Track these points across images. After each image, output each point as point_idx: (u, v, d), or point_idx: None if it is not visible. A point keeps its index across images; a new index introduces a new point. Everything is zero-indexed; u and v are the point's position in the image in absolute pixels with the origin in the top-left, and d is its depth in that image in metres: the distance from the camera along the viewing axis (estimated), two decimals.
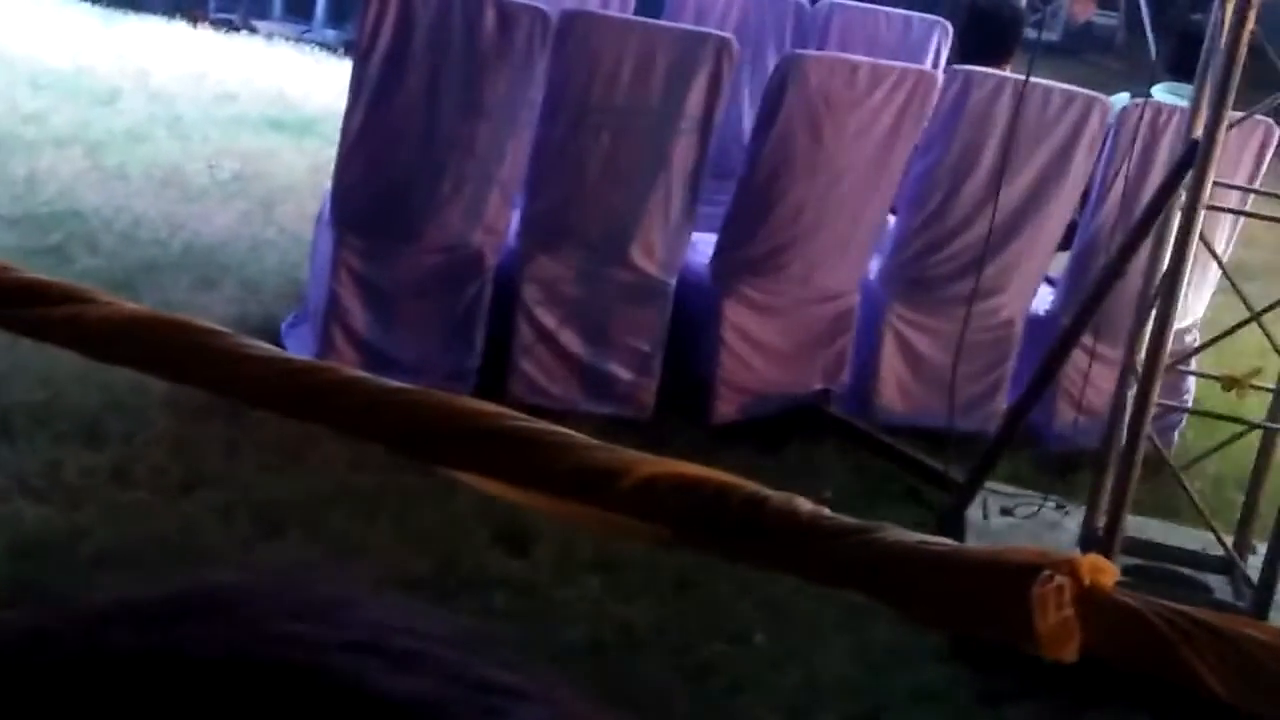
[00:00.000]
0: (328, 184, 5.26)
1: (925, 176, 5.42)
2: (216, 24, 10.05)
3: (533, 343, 5.22)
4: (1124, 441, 4.21)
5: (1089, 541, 4.33)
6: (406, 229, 5.15)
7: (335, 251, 5.10)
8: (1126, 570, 4.04)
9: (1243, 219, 5.11)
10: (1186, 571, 4.42)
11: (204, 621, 0.49)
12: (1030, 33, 6.24)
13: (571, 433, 2.07)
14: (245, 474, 4.46)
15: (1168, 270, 4.12)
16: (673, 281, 5.29)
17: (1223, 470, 5.16)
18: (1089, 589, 1.94)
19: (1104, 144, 5.38)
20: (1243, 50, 3.90)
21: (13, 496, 4.19)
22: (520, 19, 4.91)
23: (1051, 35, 11.97)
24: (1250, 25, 3.89)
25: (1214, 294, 5.54)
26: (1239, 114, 4.07)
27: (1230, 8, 3.97)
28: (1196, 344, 5.06)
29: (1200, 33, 4.48)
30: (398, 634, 0.51)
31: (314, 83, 8.87)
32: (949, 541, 2.10)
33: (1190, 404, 5.31)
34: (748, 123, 5.71)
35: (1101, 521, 4.32)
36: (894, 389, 5.59)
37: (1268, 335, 4.22)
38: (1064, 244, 5.66)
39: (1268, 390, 4.43)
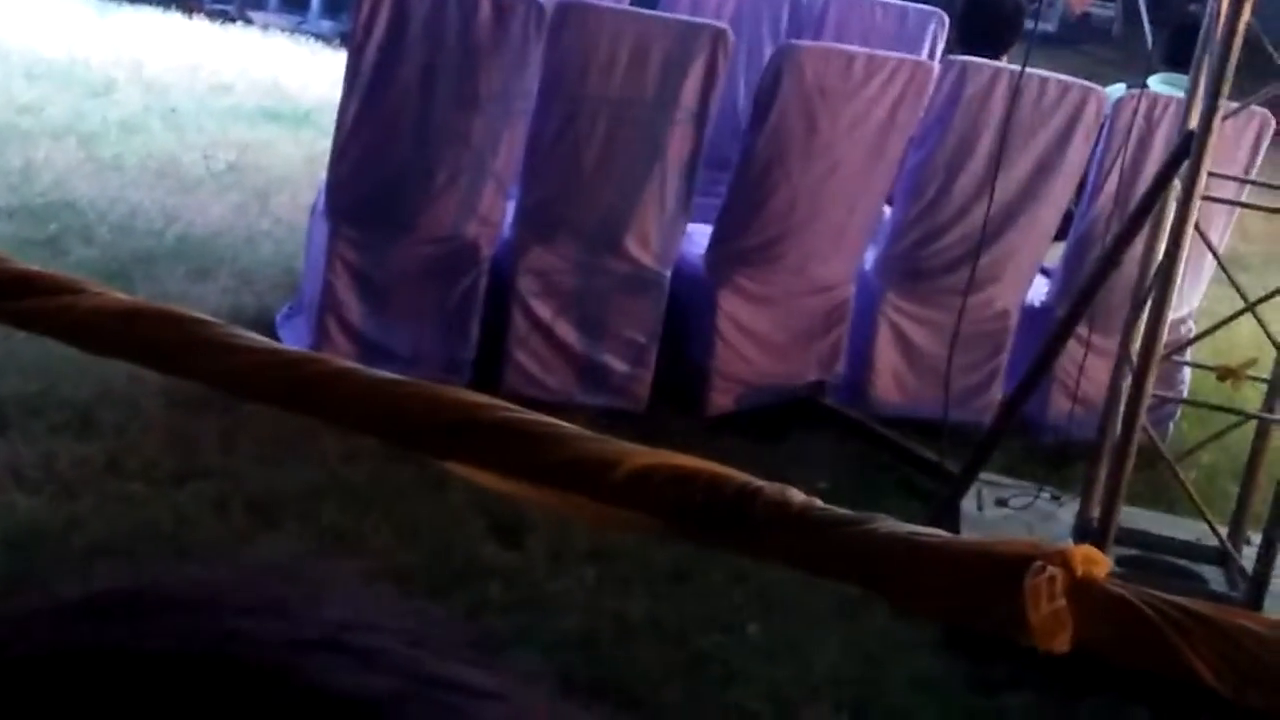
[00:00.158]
0: (323, 175, 5.25)
1: (921, 167, 5.42)
2: (212, 15, 10.04)
3: (528, 334, 5.21)
4: (1119, 432, 4.21)
5: (1083, 532, 4.33)
6: (401, 220, 5.14)
7: (330, 243, 5.10)
8: (1121, 561, 4.04)
9: (1238, 210, 5.10)
10: (1181, 562, 4.42)
11: (153, 618, 0.48)
12: (1027, 23, 6.23)
13: (563, 424, 2.06)
14: (239, 466, 4.46)
15: (1163, 261, 4.11)
16: (668, 272, 5.28)
17: (1218, 461, 5.16)
18: (1082, 580, 1.94)
19: (1100, 135, 5.37)
20: (1239, 41, 3.90)
21: (6, 487, 4.18)
22: (515, 9, 4.90)
23: (1048, 26, 11.97)
24: (1246, 16, 3.89)
25: (1209, 285, 5.54)
26: (1235, 105, 4.07)
27: None
28: (1192, 335, 5.06)
29: (1196, 23, 4.47)
30: (356, 630, 0.49)
31: (309, 74, 8.86)
32: (941, 533, 2.10)
33: (1185, 395, 5.31)
34: (743, 113, 5.70)
35: (1096, 512, 4.32)
36: (889, 380, 5.59)
37: (1263, 326, 4.22)
38: (1060, 234, 5.66)
39: (1263, 381, 4.43)
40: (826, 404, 5.46)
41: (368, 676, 0.47)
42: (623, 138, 5.09)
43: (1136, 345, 4.20)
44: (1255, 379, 4.39)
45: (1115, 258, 4.50)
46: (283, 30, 10.06)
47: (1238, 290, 4.32)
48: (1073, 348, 4.97)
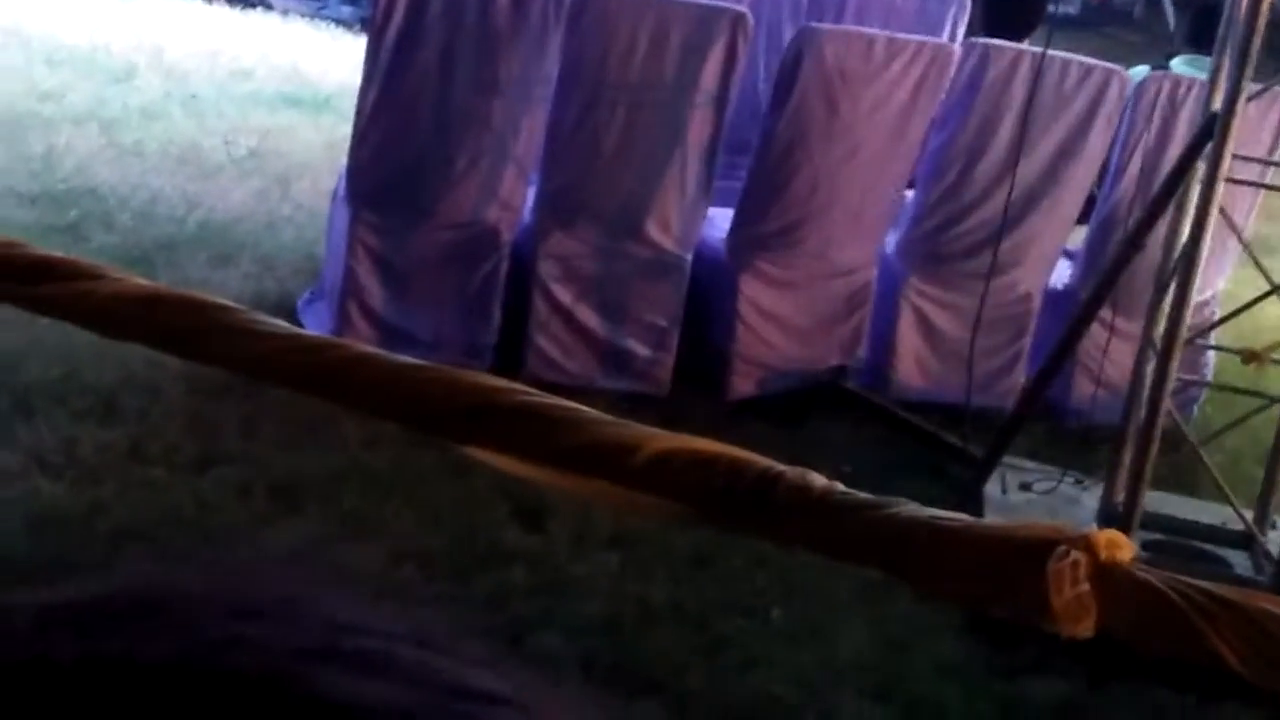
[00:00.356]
0: (344, 160, 5.25)
1: (942, 150, 5.40)
2: (232, 0, 10.04)
3: (549, 319, 5.21)
4: (1143, 416, 4.19)
5: (1108, 516, 4.31)
6: (422, 205, 5.14)
7: (351, 228, 5.10)
8: (1145, 545, 4.02)
9: (1263, 192, 5.07)
10: (1206, 547, 4.40)
11: (145, 625, 0.46)
12: (1049, 6, 6.19)
13: (583, 408, 2.06)
14: (262, 451, 4.47)
15: (1187, 244, 4.09)
16: (689, 257, 5.27)
17: (1242, 445, 5.13)
18: (1105, 565, 1.93)
19: (1122, 117, 5.34)
20: (1262, 22, 3.87)
21: (30, 473, 4.20)
22: None
23: (1070, 8, 11.90)
24: None
25: (1233, 268, 5.51)
26: (1258, 86, 4.04)
27: None
28: (1216, 318, 5.04)
29: (1219, 5, 4.44)
30: (357, 634, 0.47)
31: (329, 59, 8.86)
32: (964, 517, 2.09)
33: (1210, 378, 5.28)
34: (764, 97, 5.68)
35: (1120, 496, 4.31)
36: (911, 364, 5.57)
37: None
38: (1083, 217, 5.63)
39: None
40: (848, 388, 5.45)
41: (373, 684, 0.45)
42: (643, 122, 5.08)
43: (1160, 328, 4.18)
44: None
45: (1138, 241, 4.48)
46: (302, 15, 10.06)
47: (1263, 273, 4.29)
48: (1096, 331, 4.95)
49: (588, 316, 5.23)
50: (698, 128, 5.09)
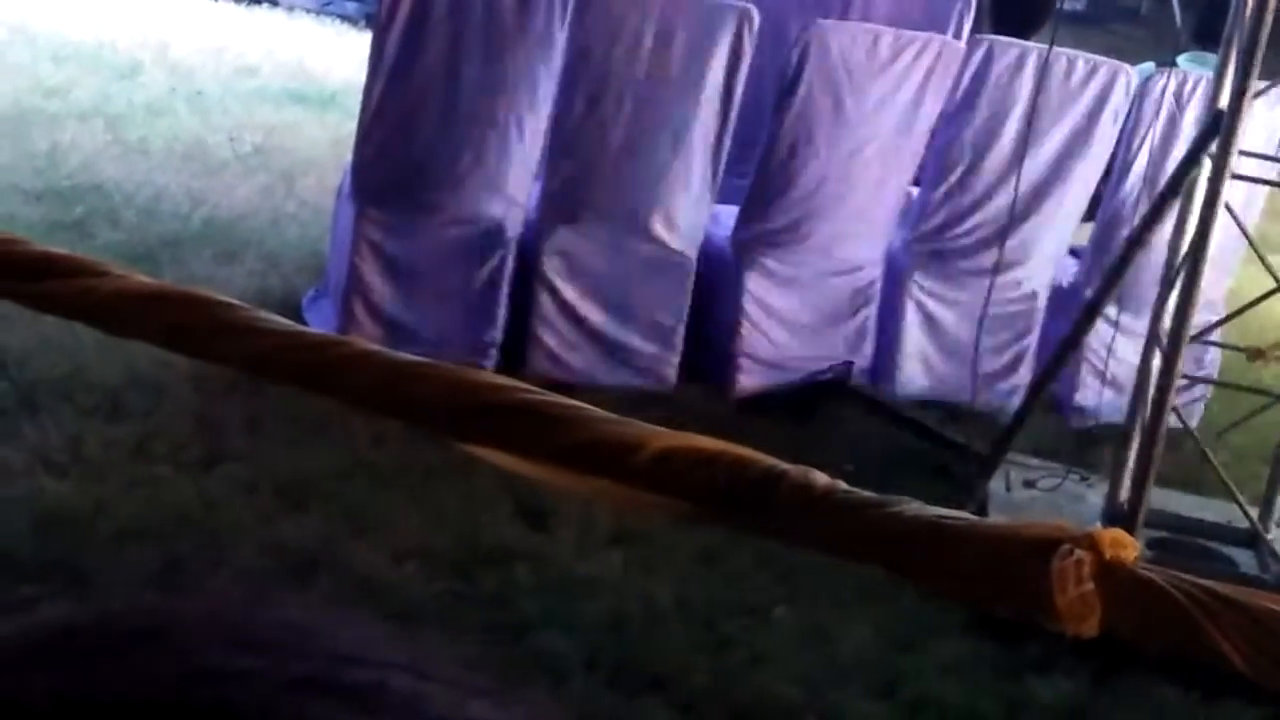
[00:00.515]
0: (349, 157, 5.25)
1: (948, 147, 5.39)
2: None
3: (554, 315, 5.20)
4: (1148, 413, 4.19)
5: (1112, 514, 4.31)
6: (427, 202, 5.13)
7: (356, 225, 5.09)
8: (1150, 543, 4.02)
9: (1269, 189, 5.06)
10: (1211, 545, 4.39)
11: (136, 656, 0.44)
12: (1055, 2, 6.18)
13: (585, 406, 2.05)
14: (267, 449, 4.46)
15: (1192, 241, 4.08)
16: (694, 253, 5.27)
17: (1247, 443, 5.12)
18: (1109, 563, 1.93)
19: (1128, 114, 5.33)
20: (1268, 18, 3.86)
21: (35, 471, 4.19)
22: None
23: (1076, 4, 11.88)
24: None
25: (1239, 265, 5.50)
26: (1264, 83, 4.03)
27: None
28: (1221, 315, 5.03)
29: (1225, 2, 4.43)
30: (354, 665, 0.45)
31: (335, 56, 8.85)
32: (967, 515, 2.09)
33: (1215, 376, 5.27)
34: (769, 93, 5.67)
35: (1125, 494, 4.30)
36: (916, 361, 5.56)
37: None
38: (1088, 214, 5.62)
39: None
40: (853, 385, 5.44)
41: (370, 719, 0.43)
42: (648, 118, 5.08)
43: (1166, 326, 4.17)
44: None
45: (1144, 238, 4.47)
46: (308, 12, 10.05)
47: (1269, 270, 4.28)
48: (1101, 328, 4.94)
49: (593, 313, 5.23)
50: (703, 124, 5.09)
